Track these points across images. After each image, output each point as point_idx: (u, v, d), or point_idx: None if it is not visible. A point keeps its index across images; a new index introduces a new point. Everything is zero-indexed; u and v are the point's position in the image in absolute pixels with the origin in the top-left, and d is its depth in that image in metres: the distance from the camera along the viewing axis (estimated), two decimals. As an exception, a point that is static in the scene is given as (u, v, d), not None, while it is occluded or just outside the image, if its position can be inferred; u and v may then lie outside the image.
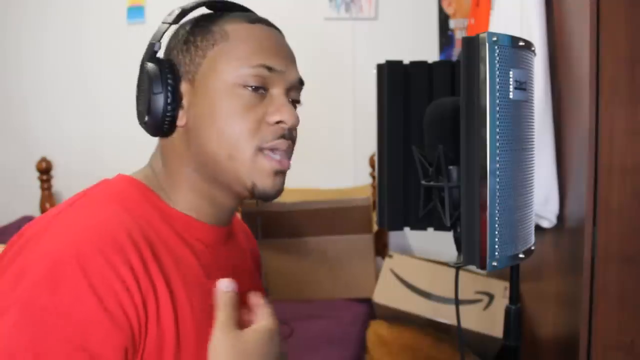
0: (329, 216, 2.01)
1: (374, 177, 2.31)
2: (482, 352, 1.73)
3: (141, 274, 0.58)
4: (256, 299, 0.65)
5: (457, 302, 0.82)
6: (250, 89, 0.66)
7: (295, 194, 2.11)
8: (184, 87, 0.68)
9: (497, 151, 0.66)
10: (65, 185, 2.43)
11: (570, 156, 1.28)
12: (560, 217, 1.33)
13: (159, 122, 0.66)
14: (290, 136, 0.69)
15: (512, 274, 0.84)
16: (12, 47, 2.53)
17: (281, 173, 0.69)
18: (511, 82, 0.68)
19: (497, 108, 0.66)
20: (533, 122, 0.76)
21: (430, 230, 0.92)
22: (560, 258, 1.36)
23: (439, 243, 1.88)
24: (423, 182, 0.85)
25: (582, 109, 1.18)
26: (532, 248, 0.78)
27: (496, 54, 0.66)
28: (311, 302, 1.99)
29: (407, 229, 0.93)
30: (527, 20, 1.35)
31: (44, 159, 2.33)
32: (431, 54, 2.33)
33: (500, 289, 1.79)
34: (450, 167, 0.79)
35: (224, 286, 0.61)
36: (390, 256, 1.96)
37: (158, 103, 0.65)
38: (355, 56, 2.39)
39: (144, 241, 0.61)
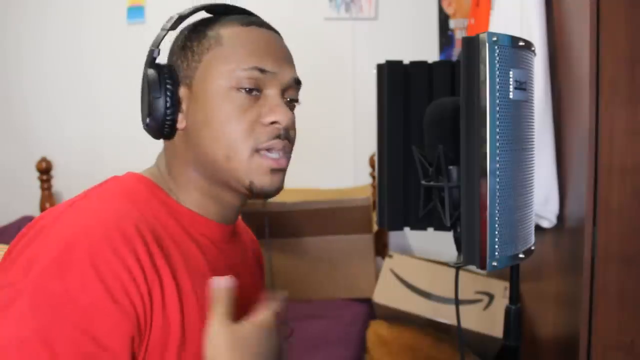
0: (329, 216, 2.01)
1: (374, 177, 2.31)
2: (482, 352, 1.73)
3: (147, 265, 0.60)
4: (267, 295, 0.67)
5: (457, 302, 0.82)
6: (244, 91, 0.68)
7: (295, 194, 2.11)
8: (182, 91, 0.70)
9: (497, 151, 0.66)
10: (65, 185, 2.43)
11: (570, 156, 1.28)
12: (560, 217, 1.33)
13: (159, 125, 0.69)
14: (286, 136, 0.70)
15: (512, 274, 0.84)
16: (12, 47, 2.53)
17: (278, 171, 0.70)
18: (511, 82, 0.68)
19: (497, 108, 0.66)
20: (533, 122, 0.76)
21: (430, 230, 0.93)
22: (560, 258, 1.36)
23: (439, 243, 1.88)
24: (423, 182, 0.85)
25: (582, 109, 1.18)
26: (532, 248, 0.78)
27: (496, 54, 0.66)
28: (311, 302, 1.99)
29: (407, 229, 0.93)
30: (527, 20, 1.35)
31: (44, 159, 2.33)
32: (431, 54, 2.33)
33: (500, 289, 1.79)
34: (450, 167, 0.79)
35: (222, 282, 0.62)
36: (390, 256, 1.96)
37: (158, 107, 0.68)
38: (355, 56, 2.39)
39: (151, 234, 0.63)
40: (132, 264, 0.59)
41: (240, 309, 0.68)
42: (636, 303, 1.14)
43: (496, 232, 0.67)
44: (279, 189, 0.71)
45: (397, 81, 0.92)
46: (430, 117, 0.83)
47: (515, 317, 0.84)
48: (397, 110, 0.92)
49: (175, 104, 0.69)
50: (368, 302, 1.92)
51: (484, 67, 0.65)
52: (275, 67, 0.69)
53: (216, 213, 0.74)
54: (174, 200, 0.71)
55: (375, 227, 2.04)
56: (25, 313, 0.54)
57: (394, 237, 2.32)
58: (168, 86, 0.68)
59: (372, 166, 2.33)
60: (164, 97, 0.68)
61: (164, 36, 0.70)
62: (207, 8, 0.74)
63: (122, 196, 0.66)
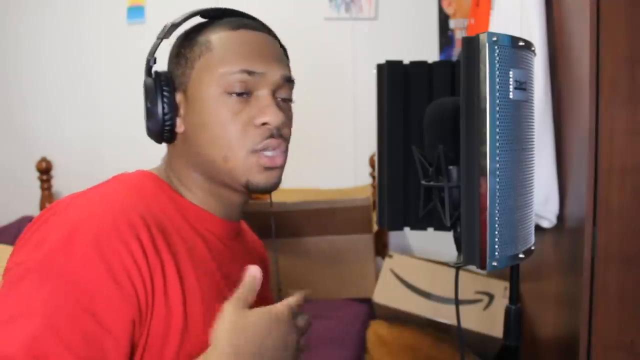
0: (329, 216, 2.01)
1: (374, 177, 2.32)
2: (482, 352, 1.73)
3: (150, 251, 0.63)
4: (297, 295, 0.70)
5: (457, 302, 0.82)
6: (235, 94, 0.70)
7: (295, 194, 2.11)
8: (179, 97, 0.73)
9: (497, 151, 0.66)
10: (65, 185, 2.43)
11: (570, 156, 1.28)
12: (560, 217, 1.33)
13: (159, 130, 0.72)
14: (279, 134, 0.72)
15: (512, 274, 0.84)
16: (12, 47, 2.53)
17: (274, 169, 0.73)
18: (511, 82, 0.68)
19: (497, 108, 0.66)
20: (533, 122, 0.76)
21: (430, 230, 0.92)
22: (560, 258, 1.36)
23: (439, 243, 1.88)
24: (423, 182, 0.85)
25: (582, 109, 1.18)
26: (532, 248, 0.78)
27: (496, 54, 0.66)
28: (311, 302, 1.98)
29: (407, 229, 0.93)
30: (527, 20, 1.35)
31: (44, 159, 2.33)
32: (431, 54, 2.33)
33: (500, 289, 1.79)
34: (450, 167, 0.79)
35: (253, 271, 0.65)
36: (390, 256, 1.96)
37: (156, 114, 0.71)
38: (355, 56, 2.39)
39: (156, 225, 0.66)
40: (135, 249, 0.61)
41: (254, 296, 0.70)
42: (636, 303, 1.14)
43: (496, 232, 0.67)
44: (275, 184, 0.74)
45: (397, 81, 0.92)
46: (430, 117, 0.83)
47: (515, 317, 0.84)
48: (397, 110, 0.92)
49: (173, 110, 0.72)
50: (368, 302, 1.92)
51: (484, 67, 0.65)
52: (264, 68, 0.71)
53: (220, 210, 0.76)
54: (180, 196, 0.74)
55: (375, 227, 2.04)
56: (32, 289, 0.56)
57: (394, 237, 2.32)
58: (165, 93, 0.71)
59: (372, 166, 2.33)
60: (161, 103, 0.71)
61: (158, 45, 0.73)
62: (201, 13, 0.76)
63: (130, 189, 0.69)
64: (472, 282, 1.82)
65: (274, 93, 0.73)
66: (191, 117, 0.72)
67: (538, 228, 1.29)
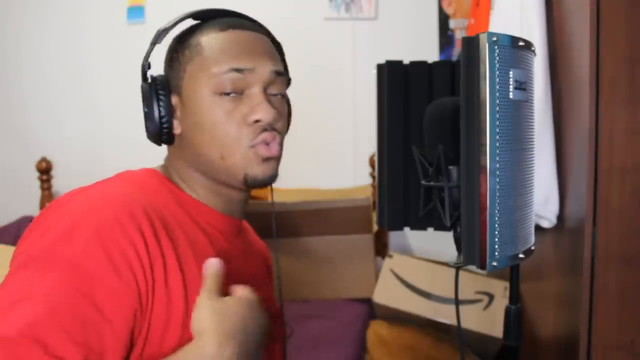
0: (329, 216, 2.01)
1: (374, 177, 2.32)
2: (482, 352, 1.73)
3: (151, 242, 0.64)
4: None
5: (457, 302, 0.82)
6: (227, 94, 0.71)
7: (295, 194, 2.11)
8: (174, 99, 0.75)
9: (497, 151, 0.66)
10: (65, 185, 2.43)
11: (570, 156, 1.28)
12: (560, 217, 1.33)
13: (157, 133, 0.74)
14: (272, 129, 0.73)
15: (512, 274, 0.84)
16: (12, 47, 2.53)
17: (270, 159, 0.74)
18: (511, 82, 0.68)
19: (497, 108, 0.66)
20: (533, 122, 0.76)
21: (430, 230, 0.92)
22: (560, 258, 1.36)
23: (439, 243, 1.88)
24: (423, 182, 0.85)
25: (582, 109, 1.18)
26: (532, 248, 0.78)
27: (496, 54, 0.66)
28: (311, 302, 1.99)
29: (407, 229, 0.93)
30: (527, 20, 1.35)
31: (44, 159, 2.33)
32: (431, 54, 2.33)
33: (500, 289, 1.79)
34: (450, 167, 0.79)
35: (214, 262, 0.66)
36: (390, 256, 1.96)
37: (153, 117, 0.73)
38: (355, 56, 2.39)
39: (158, 218, 0.67)
40: (136, 240, 0.62)
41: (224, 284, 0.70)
42: (636, 303, 1.14)
43: (496, 232, 0.67)
44: (272, 176, 0.75)
45: (397, 81, 0.92)
46: (430, 117, 0.83)
47: (515, 317, 0.84)
48: (397, 110, 0.92)
49: (169, 112, 0.73)
50: (368, 302, 1.92)
51: (484, 67, 0.65)
52: (252, 63, 0.72)
53: (221, 207, 0.78)
54: (182, 192, 0.76)
55: (375, 227, 2.04)
56: (34, 276, 0.58)
57: (394, 237, 2.32)
58: (161, 96, 0.73)
59: (372, 166, 2.33)
60: (157, 107, 0.73)
61: (151, 51, 0.75)
62: (192, 16, 0.77)
63: (134, 184, 0.72)
64: (472, 282, 1.82)
65: (265, 89, 0.74)
66: (187, 118, 0.74)
67: (538, 228, 1.29)
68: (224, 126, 0.71)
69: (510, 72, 0.67)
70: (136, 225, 0.63)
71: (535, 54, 0.76)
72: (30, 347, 0.53)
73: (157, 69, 0.77)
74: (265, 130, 0.72)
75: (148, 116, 0.73)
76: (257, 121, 0.71)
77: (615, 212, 1.13)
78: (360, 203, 2.00)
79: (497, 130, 0.66)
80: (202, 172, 0.75)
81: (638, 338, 1.14)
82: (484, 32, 0.66)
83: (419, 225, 0.92)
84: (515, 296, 0.85)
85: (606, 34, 1.11)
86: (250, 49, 0.73)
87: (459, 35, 2.31)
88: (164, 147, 0.79)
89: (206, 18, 0.77)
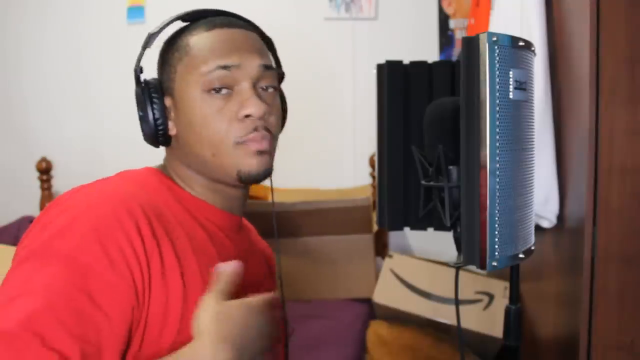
0: (329, 216, 2.01)
1: (374, 177, 2.31)
2: (482, 352, 1.73)
3: (148, 238, 0.65)
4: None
5: (457, 302, 0.82)
6: (214, 92, 0.72)
7: (295, 194, 2.11)
8: (168, 101, 0.76)
9: (497, 151, 0.66)
10: (65, 185, 2.41)
11: (570, 156, 1.28)
12: (560, 217, 1.33)
13: (154, 135, 0.75)
14: (264, 126, 0.74)
15: (512, 274, 0.84)
16: (12, 47, 2.53)
17: (263, 153, 0.74)
18: (511, 82, 0.68)
19: (497, 108, 0.66)
20: (533, 122, 0.76)
21: (430, 230, 0.92)
22: (560, 258, 1.36)
23: (439, 243, 1.88)
24: (423, 182, 0.85)
25: (582, 109, 1.18)
26: (532, 248, 0.78)
27: (496, 54, 0.66)
28: (311, 302, 1.99)
29: (407, 229, 0.93)
30: (527, 20, 1.35)
31: (44, 159, 2.33)
32: (431, 54, 2.33)
33: (500, 289, 1.79)
34: (450, 167, 0.79)
35: (229, 265, 0.66)
36: (390, 256, 1.96)
37: (148, 120, 0.74)
38: (355, 56, 2.39)
39: (156, 214, 0.68)
40: (133, 236, 0.63)
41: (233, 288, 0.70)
42: (636, 303, 1.14)
43: (496, 232, 0.67)
44: (266, 170, 0.75)
45: (397, 81, 0.92)
46: (430, 117, 0.83)
47: (515, 317, 0.84)
48: (397, 110, 0.92)
49: (164, 114, 0.75)
50: (368, 302, 1.92)
51: (484, 67, 0.65)
52: (238, 60, 0.73)
53: (220, 203, 0.79)
54: (181, 189, 0.77)
55: (375, 227, 2.04)
56: (33, 271, 0.59)
57: (394, 237, 2.32)
58: (154, 99, 0.74)
59: (372, 166, 2.33)
60: (151, 110, 0.74)
61: (141, 55, 0.76)
62: (180, 18, 0.78)
63: (132, 182, 0.72)
64: (472, 282, 1.82)
65: (255, 84, 0.74)
66: (180, 118, 0.75)
67: (538, 228, 1.29)
68: (214, 123, 0.72)
69: (510, 72, 0.68)
70: (134, 222, 0.64)
71: (535, 54, 0.76)
72: (29, 340, 0.54)
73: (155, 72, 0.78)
74: (255, 130, 0.72)
75: (143, 119, 0.74)
76: (247, 116, 0.72)
77: (615, 212, 1.13)
78: (360, 203, 2.00)
79: (497, 130, 0.66)
80: (198, 171, 0.76)
81: (638, 338, 1.14)
82: (484, 32, 0.66)
83: (419, 225, 0.92)
84: (515, 296, 0.85)
85: (606, 34, 1.11)
86: (236, 46, 0.74)
87: (459, 35, 2.31)
88: (163, 148, 0.80)
89: (194, 19, 0.78)
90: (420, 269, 1.90)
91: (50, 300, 0.57)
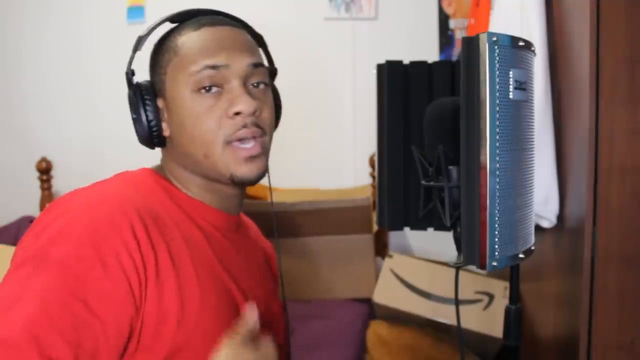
0: (329, 216, 2.01)
1: (374, 177, 2.31)
2: (482, 352, 1.72)
3: (144, 242, 0.65)
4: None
5: (457, 302, 0.82)
6: (204, 91, 0.72)
7: (295, 194, 2.11)
8: (160, 103, 0.76)
9: (497, 151, 0.66)
10: (65, 185, 2.43)
11: (570, 156, 1.28)
12: (560, 217, 1.33)
13: (148, 137, 0.75)
14: (254, 122, 0.73)
15: (512, 274, 0.84)
16: (12, 47, 2.53)
17: (254, 158, 0.74)
18: (511, 82, 0.68)
19: (497, 108, 0.66)
20: (533, 122, 0.76)
21: (430, 230, 0.92)
22: (560, 258, 1.36)
23: (439, 243, 1.88)
24: (423, 182, 0.85)
25: (582, 109, 1.18)
26: (532, 248, 0.78)
27: (496, 54, 0.66)
28: (311, 302, 1.99)
29: (407, 229, 0.93)
30: (527, 20, 1.35)
31: (44, 159, 2.33)
32: (431, 54, 2.32)
33: (500, 289, 1.79)
34: (450, 167, 0.79)
35: (251, 312, 0.66)
36: (390, 256, 1.95)
37: (142, 122, 0.74)
38: (355, 56, 2.39)
39: (152, 217, 0.68)
40: (128, 240, 0.63)
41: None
42: (636, 303, 1.14)
43: (496, 232, 0.67)
44: (260, 174, 0.75)
45: (397, 81, 0.92)
46: (430, 117, 0.83)
47: (515, 317, 0.84)
48: (397, 110, 0.92)
49: (157, 116, 0.75)
50: (368, 302, 1.92)
51: (484, 67, 0.65)
52: (227, 59, 0.72)
53: (217, 203, 0.79)
54: (177, 190, 0.77)
55: (375, 227, 2.04)
56: (29, 277, 0.60)
57: (394, 237, 2.32)
58: (147, 101, 0.74)
59: (372, 166, 2.33)
60: (144, 112, 0.74)
61: (132, 58, 0.76)
62: (169, 19, 0.78)
63: (129, 184, 0.73)
64: (472, 282, 1.82)
65: (245, 82, 0.74)
66: (172, 119, 0.75)
67: (538, 228, 1.29)
68: (205, 122, 0.72)
69: (510, 72, 0.68)
70: (129, 225, 0.64)
71: (535, 54, 0.76)
72: (26, 349, 0.54)
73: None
74: (245, 127, 0.72)
75: (137, 122, 0.74)
76: (238, 113, 0.72)
77: (615, 212, 1.13)
78: (360, 203, 2.00)
79: (497, 130, 0.66)
80: (193, 171, 0.76)
81: (638, 338, 1.14)
82: (484, 32, 0.66)
83: (419, 225, 0.93)
84: (515, 296, 0.85)
85: (606, 34, 1.11)
86: (224, 45, 0.74)
87: (459, 35, 2.31)
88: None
89: (183, 19, 0.78)
90: (420, 269, 1.90)
91: (47, 308, 0.57)
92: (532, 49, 0.74)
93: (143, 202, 0.69)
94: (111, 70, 2.47)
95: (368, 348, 1.75)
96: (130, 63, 0.76)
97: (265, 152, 0.76)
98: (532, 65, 0.74)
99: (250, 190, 2.06)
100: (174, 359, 0.65)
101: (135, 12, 2.46)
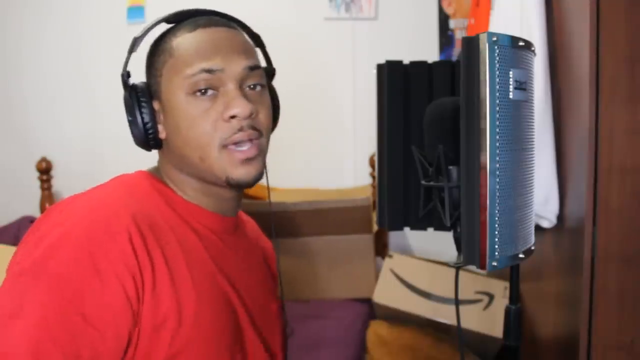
0: (329, 216, 2.01)
1: (374, 177, 2.31)
2: (482, 352, 1.72)
3: (140, 250, 0.64)
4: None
5: (457, 302, 0.82)
6: (200, 93, 0.71)
7: (295, 194, 2.11)
8: (156, 105, 0.75)
9: (497, 151, 0.66)
10: (65, 185, 2.43)
11: (570, 156, 1.28)
12: (560, 217, 1.33)
13: (144, 139, 0.75)
14: (250, 125, 0.73)
15: (512, 274, 0.84)
16: (12, 47, 2.53)
17: (251, 160, 0.73)
18: (511, 82, 0.68)
19: (497, 108, 0.66)
20: (533, 122, 0.76)
21: (430, 230, 0.92)
22: (560, 258, 1.36)
23: (439, 243, 1.88)
24: (423, 182, 0.85)
25: (582, 109, 1.18)
26: (532, 248, 0.78)
27: (496, 54, 0.66)
28: (311, 302, 1.99)
29: (407, 229, 0.93)
30: (527, 20, 1.35)
31: (44, 159, 2.33)
32: (431, 54, 2.32)
33: (500, 289, 1.79)
34: (450, 167, 0.79)
35: None
36: (390, 256, 1.95)
37: (137, 124, 0.74)
38: (355, 56, 2.39)
39: (148, 223, 0.67)
40: (125, 250, 0.63)
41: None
42: (636, 303, 1.14)
43: (496, 232, 0.67)
44: (255, 176, 0.75)
45: (397, 81, 0.92)
46: (430, 117, 0.83)
47: (515, 317, 0.84)
48: (397, 110, 0.92)
49: (153, 118, 0.74)
50: (368, 302, 1.92)
51: (484, 67, 0.65)
52: (222, 63, 0.72)
53: (213, 206, 0.78)
54: (173, 193, 0.76)
55: (375, 227, 2.04)
56: (27, 289, 0.60)
57: (394, 237, 2.32)
58: (142, 103, 0.73)
59: (372, 166, 2.33)
60: (139, 114, 0.74)
61: (128, 59, 0.75)
62: (165, 20, 0.77)
63: (124, 190, 0.72)
64: (472, 282, 1.82)
65: (240, 85, 0.73)
66: (168, 122, 0.74)
67: (538, 228, 1.29)
68: (200, 125, 0.71)
69: (510, 72, 0.67)
70: (125, 235, 0.64)
71: (535, 54, 0.76)
72: None
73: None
74: (241, 130, 0.72)
75: (132, 124, 0.74)
76: (233, 117, 0.71)
77: (615, 212, 1.13)
78: (360, 203, 1.99)
79: (497, 130, 0.66)
80: (189, 173, 0.76)
81: (638, 338, 1.14)
82: (484, 32, 0.66)
83: (419, 225, 0.92)
84: (515, 296, 0.85)
85: (606, 34, 1.11)
86: (220, 48, 0.73)
87: (459, 35, 2.31)
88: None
89: (178, 20, 0.77)
90: (420, 269, 1.90)
91: (45, 322, 0.57)
92: (532, 49, 0.74)
93: (139, 207, 0.69)
94: (111, 70, 2.45)
95: (368, 348, 1.75)
96: (125, 64, 0.75)
97: (261, 153, 0.76)
98: (532, 65, 0.74)
99: (250, 190, 2.07)
100: None
101: (135, 12, 2.46)
